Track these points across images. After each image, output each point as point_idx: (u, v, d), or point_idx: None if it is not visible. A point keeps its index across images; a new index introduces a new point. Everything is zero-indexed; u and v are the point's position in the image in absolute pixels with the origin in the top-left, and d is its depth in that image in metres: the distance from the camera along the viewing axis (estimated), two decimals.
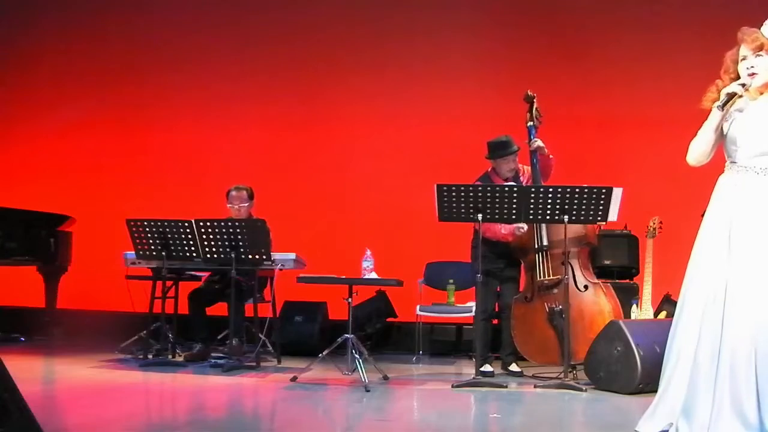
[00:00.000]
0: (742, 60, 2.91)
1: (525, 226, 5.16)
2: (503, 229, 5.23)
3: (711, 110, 2.93)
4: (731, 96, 2.85)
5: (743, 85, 2.86)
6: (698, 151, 2.97)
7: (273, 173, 7.41)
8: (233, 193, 5.91)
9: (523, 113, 5.38)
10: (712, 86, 3.00)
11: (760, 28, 2.91)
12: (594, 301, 5.10)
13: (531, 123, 5.34)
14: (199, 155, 7.76)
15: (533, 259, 5.27)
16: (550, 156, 5.31)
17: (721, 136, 2.96)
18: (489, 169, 5.41)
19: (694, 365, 2.81)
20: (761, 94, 2.92)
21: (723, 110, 2.87)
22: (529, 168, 5.37)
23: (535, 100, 5.37)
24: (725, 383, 2.72)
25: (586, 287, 5.15)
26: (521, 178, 5.38)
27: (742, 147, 2.88)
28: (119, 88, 7.94)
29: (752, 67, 2.87)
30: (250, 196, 5.94)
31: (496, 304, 5.58)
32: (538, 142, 5.26)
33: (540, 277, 5.21)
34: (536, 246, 5.24)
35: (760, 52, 2.87)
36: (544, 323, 5.15)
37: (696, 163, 2.99)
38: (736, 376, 2.71)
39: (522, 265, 5.40)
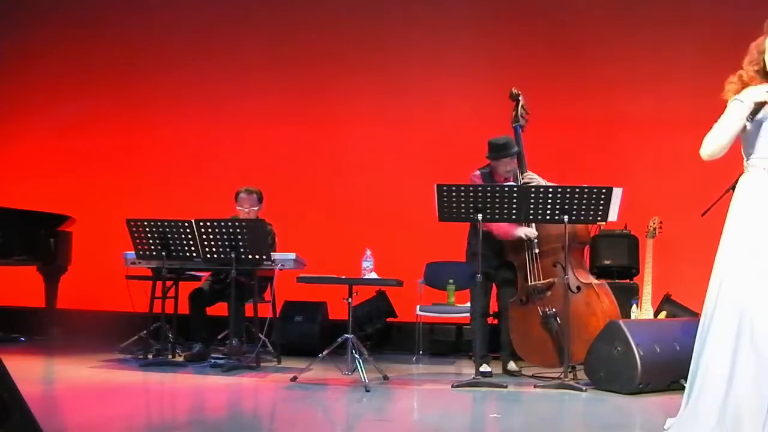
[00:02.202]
0: None
1: (532, 234, 5.15)
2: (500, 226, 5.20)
3: (729, 102, 2.85)
4: (761, 105, 2.77)
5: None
6: (715, 147, 2.85)
7: (273, 173, 7.40)
8: (243, 195, 5.88)
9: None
10: (733, 77, 2.91)
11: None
12: (586, 302, 5.06)
13: (516, 123, 5.29)
14: (199, 155, 7.76)
15: (524, 260, 5.23)
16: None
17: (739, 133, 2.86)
18: (491, 164, 5.40)
19: (735, 376, 2.69)
20: None
21: (751, 121, 2.77)
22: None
23: (520, 98, 5.31)
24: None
25: (578, 288, 5.09)
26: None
27: None
28: (119, 87, 7.95)
29: None
30: (260, 199, 5.92)
31: (492, 302, 5.57)
32: (533, 179, 5.13)
33: (531, 280, 5.18)
34: (525, 246, 5.21)
35: None
36: (539, 326, 5.14)
37: (710, 158, 2.88)
38: None
39: (515, 265, 5.38)
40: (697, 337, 2.89)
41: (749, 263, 2.75)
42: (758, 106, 2.77)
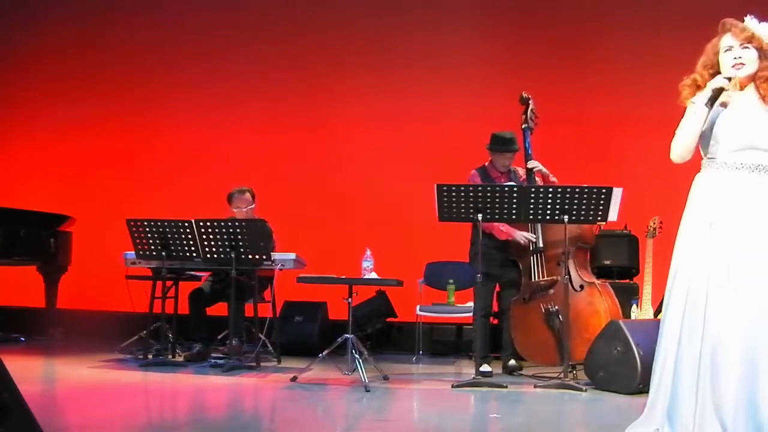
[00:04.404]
0: (726, 50, 2.85)
1: (532, 237, 5.19)
2: (502, 227, 5.23)
3: (688, 106, 2.88)
4: (718, 91, 2.79)
5: (729, 78, 2.80)
6: (683, 148, 2.90)
7: (273, 173, 7.41)
8: (237, 195, 5.89)
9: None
10: (687, 79, 2.93)
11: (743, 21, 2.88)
12: (589, 301, 5.10)
13: (525, 125, 5.35)
14: (199, 155, 7.76)
15: (529, 260, 5.27)
16: (553, 178, 5.29)
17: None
18: (487, 163, 5.42)
19: (675, 369, 2.76)
20: (743, 88, 2.87)
21: (711, 107, 2.80)
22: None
23: (530, 102, 5.38)
24: (707, 385, 2.66)
25: (581, 287, 5.14)
26: (519, 181, 5.37)
27: (722, 141, 2.82)
28: (120, 88, 7.95)
29: (739, 57, 2.82)
30: (253, 197, 5.94)
31: (495, 303, 5.58)
32: (536, 164, 5.25)
33: (535, 278, 5.22)
34: (531, 248, 5.25)
35: (748, 45, 2.82)
36: (542, 324, 5.16)
37: (681, 160, 2.93)
38: (717, 379, 2.64)
39: (520, 266, 5.40)
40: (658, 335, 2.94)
41: (692, 264, 2.81)
42: (716, 93, 2.79)
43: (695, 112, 2.85)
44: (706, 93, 2.82)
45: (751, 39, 2.83)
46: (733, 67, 2.83)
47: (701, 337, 2.70)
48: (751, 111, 2.82)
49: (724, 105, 2.86)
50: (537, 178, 5.27)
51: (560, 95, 6.90)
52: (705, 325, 2.70)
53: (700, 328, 2.71)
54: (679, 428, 2.72)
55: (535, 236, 5.24)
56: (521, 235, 5.22)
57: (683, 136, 2.90)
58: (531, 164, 5.28)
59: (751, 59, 2.83)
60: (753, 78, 2.85)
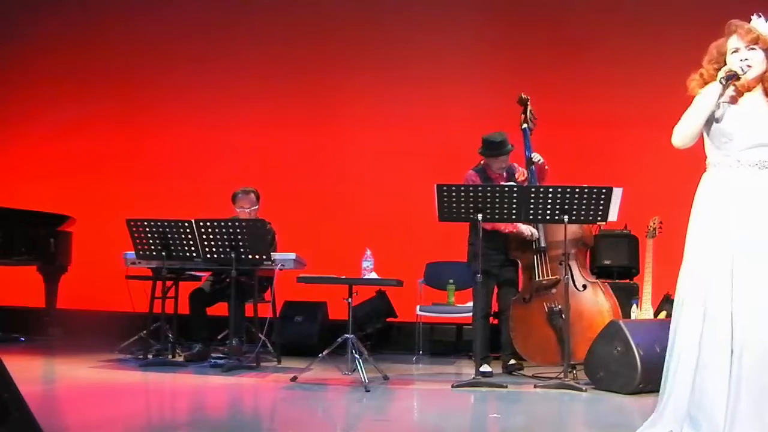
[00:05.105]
0: (733, 52, 2.86)
1: (536, 232, 5.22)
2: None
3: (695, 96, 2.89)
4: (731, 75, 2.80)
5: (740, 68, 2.82)
6: (687, 131, 2.88)
7: (273, 173, 7.41)
8: (241, 195, 5.89)
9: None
10: (694, 74, 2.95)
11: (749, 22, 2.89)
12: (593, 300, 5.12)
13: (525, 125, 5.38)
14: (199, 155, 7.76)
15: (531, 260, 5.29)
16: (546, 167, 5.34)
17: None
18: (482, 162, 5.42)
19: (698, 371, 2.74)
20: (750, 89, 2.88)
21: (724, 87, 2.81)
22: (525, 170, 5.38)
23: (529, 103, 5.40)
24: (741, 386, 2.65)
25: (584, 287, 5.17)
26: (516, 176, 5.38)
27: (736, 139, 2.82)
28: (120, 88, 7.95)
29: (746, 59, 2.83)
30: (258, 198, 5.94)
31: (494, 302, 5.59)
32: (539, 158, 5.30)
33: (538, 277, 5.23)
34: (534, 247, 5.26)
35: (754, 46, 2.83)
36: (544, 324, 5.17)
37: (682, 145, 2.91)
38: (751, 379, 2.64)
39: (519, 265, 5.41)
40: (669, 337, 2.94)
41: (709, 262, 2.80)
42: (728, 74, 2.81)
43: (708, 92, 2.85)
44: (719, 76, 2.83)
45: (756, 40, 2.83)
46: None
47: (730, 339, 2.68)
48: (761, 110, 2.84)
49: (734, 100, 2.87)
50: (534, 170, 5.29)
51: (560, 95, 6.90)
52: (733, 326, 2.69)
53: (727, 332, 2.69)
54: (706, 429, 2.70)
55: (536, 232, 5.25)
56: (526, 228, 5.23)
57: (691, 117, 2.89)
58: (535, 157, 5.30)
59: (757, 60, 2.84)
60: (761, 79, 2.86)
